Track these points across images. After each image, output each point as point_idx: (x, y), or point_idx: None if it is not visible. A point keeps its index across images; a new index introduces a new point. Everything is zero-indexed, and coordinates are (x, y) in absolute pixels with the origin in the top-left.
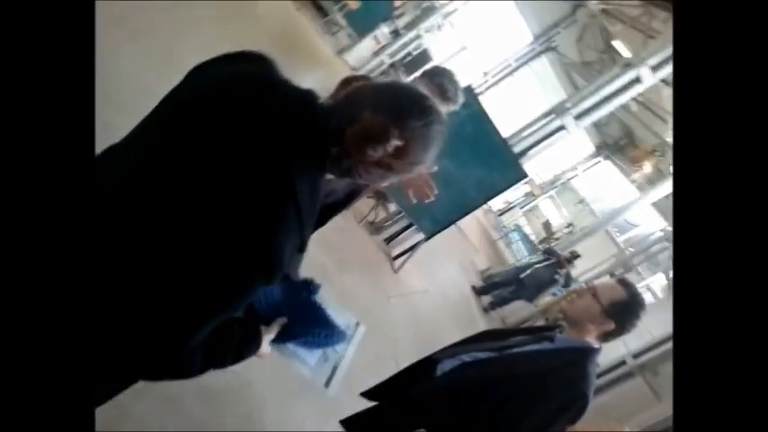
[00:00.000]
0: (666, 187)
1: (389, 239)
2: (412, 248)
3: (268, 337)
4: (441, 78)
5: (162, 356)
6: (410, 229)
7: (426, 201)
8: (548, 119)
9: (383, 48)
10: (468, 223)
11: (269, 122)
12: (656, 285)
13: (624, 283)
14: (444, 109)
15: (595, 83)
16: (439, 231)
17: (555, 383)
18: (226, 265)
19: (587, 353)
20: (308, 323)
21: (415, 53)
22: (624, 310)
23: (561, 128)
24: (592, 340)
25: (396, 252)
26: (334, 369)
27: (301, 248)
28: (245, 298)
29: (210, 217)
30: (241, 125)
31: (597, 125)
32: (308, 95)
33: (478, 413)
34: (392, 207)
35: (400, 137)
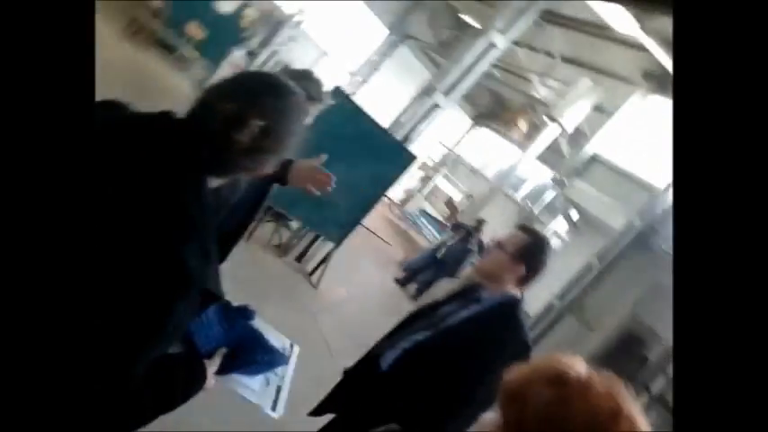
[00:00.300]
0: (543, 138)
1: (300, 257)
2: (325, 259)
3: (211, 369)
4: (298, 80)
5: (104, 395)
6: (318, 241)
7: (328, 188)
8: (420, 99)
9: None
10: (375, 221)
11: (140, 148)
12: (560, 229)
13: (524, 228)
14: (313, 109)
15: (454, 57)
16: (346, 235)
17: (495, 341)
18: (137, 286)
19: (513, 302)
20: (248, 350)
21: (276, 69)
22: (530, 252)
23: (435, 106)
24: (512, 289)
25: (310, 267)
26: (278, 391)
27: (206, 255)
28: (171, 319)
29: (113, 243)
30: (119, 160)
31: (468, 98)
32: (166, 112)
33: (434, 392)
34: (294, 224)
35: (259, 116)
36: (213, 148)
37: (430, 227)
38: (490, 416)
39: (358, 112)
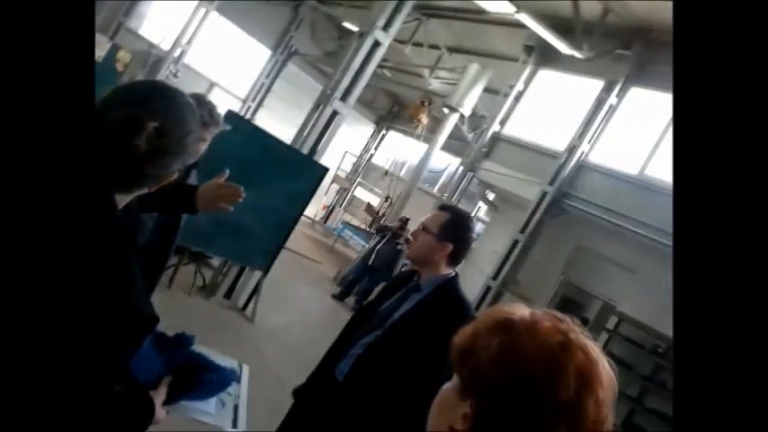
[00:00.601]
0: (445, 128)
1: (229, 293)
2: (256, 290)
3: (158, 400)
4: None
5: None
6: (244, 273)
7: (239, 199)
8: (318, 111)
9: None
10: (300, 242)
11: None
12: (480, 213)
13: (443, 207)
14: (207, 135)
15: (342, 62)
16: (272, 261)
17: (441, 323)
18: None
19: (450, 282)
20: (194, 373)
21: None
22: (453, 227)
23: (335, 113)
24: (446, 269)
25: (242, 302)
26: (236, 409)
27: (128, 272)
28: (111, 344)
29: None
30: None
31: (367, 104)
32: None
33: (393, 388)
34: (215, 261)
35: (152, 116)
36: (113, 158)
37: (356, 237)
38: (447, 384)
39: (260, 135)
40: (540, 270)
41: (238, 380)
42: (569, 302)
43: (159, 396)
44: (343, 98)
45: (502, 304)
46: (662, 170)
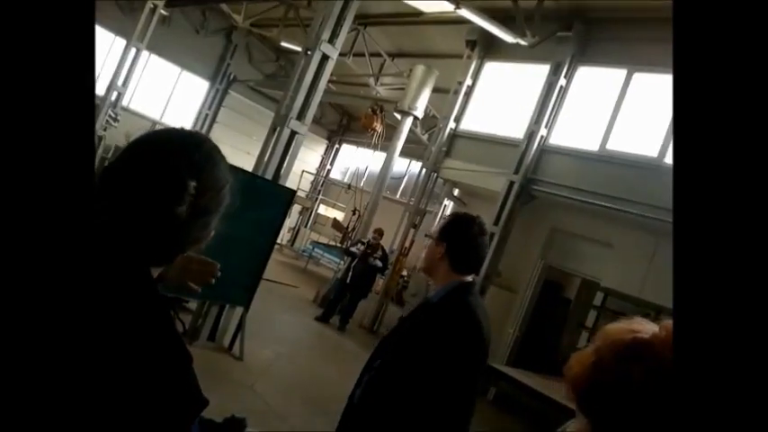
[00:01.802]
0: (401, 133)
1: (212, 335)
2: (239, 328)
3: None
4: None
5: None
6: (225, 312)
7: (213, 280)
8: (276, 133)
9: None
10: (273, 270)
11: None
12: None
13: (450, 214)
14: None
15: (291, 81)
16: (253, 294)
17: (443, 330)
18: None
19: (460, 287)
20: None
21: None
22: (447, 229)
23: (294, 133)
24: (455, 276)
25: (227, 342)
26: None
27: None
28: None
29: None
30: None
31: (316, 121)
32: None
33: (404, 403)
34: (192, 305)
35: (191, 173)
36: (153, 228)
37: (327, 254)
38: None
39: None
40: (520, 258)
41: None
42: (551, 285)
43: None
44: (299, 117)
45: (615, 323)
46: (621, 142)
